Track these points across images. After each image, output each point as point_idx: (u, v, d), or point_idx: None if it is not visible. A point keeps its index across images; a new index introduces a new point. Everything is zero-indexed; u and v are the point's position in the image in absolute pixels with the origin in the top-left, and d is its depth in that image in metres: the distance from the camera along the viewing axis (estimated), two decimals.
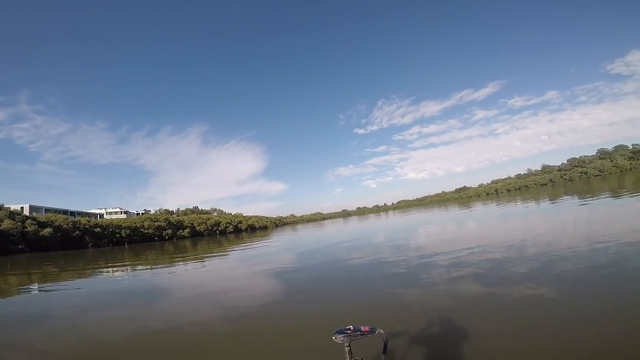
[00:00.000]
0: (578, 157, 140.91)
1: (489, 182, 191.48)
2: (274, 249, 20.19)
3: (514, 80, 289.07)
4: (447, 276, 6.20)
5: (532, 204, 25.77)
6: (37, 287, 11.69)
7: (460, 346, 3.25)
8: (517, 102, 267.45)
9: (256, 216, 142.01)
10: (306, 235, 31.85)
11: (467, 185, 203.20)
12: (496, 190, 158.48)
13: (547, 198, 31.18)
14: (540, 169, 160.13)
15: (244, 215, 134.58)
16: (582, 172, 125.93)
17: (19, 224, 40.48)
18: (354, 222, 52.84)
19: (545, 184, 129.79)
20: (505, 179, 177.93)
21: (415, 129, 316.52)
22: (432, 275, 6.41)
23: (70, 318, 6.35)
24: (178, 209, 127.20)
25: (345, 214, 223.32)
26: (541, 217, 15.65)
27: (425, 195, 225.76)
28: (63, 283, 12.27)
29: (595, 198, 20.45)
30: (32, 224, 42.61)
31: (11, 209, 43.83)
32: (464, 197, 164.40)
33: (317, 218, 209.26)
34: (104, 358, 4.08)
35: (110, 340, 4.70)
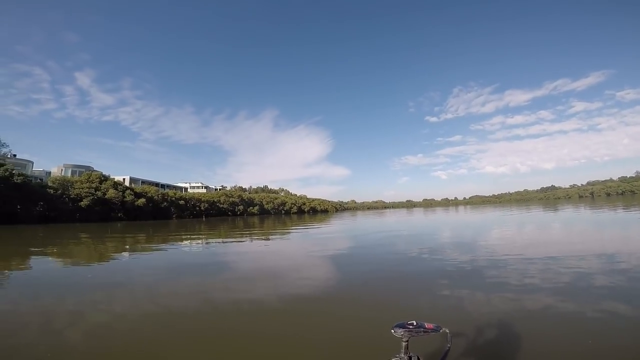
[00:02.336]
0: None
1: (584, 183, 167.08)
2: (333, 234, 20.56)
3: (625, 70, 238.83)
4: (518, 282, 5.63)
5: (637, 213, 22.59)
6: (127, 253, 12.76)
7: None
8: (628, 94, 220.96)
9: (318, 199, 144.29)
10: (366, 223, 31.36)
11: (556, 185, 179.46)
12: (592, 193, 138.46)
13: None
14: None
15: (307, 197, 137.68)
16: None
17: (120, 193, 46.89)
18: (418, 214, 51.06)
19: None
20: (606, 181, 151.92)
21: (497, 119, 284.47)
22: (501, 280, 5.89)
23: (149, 285, 6.82)
24: (250, 186, 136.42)
25: (409, 205, 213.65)
26: None
27: (503, 192, 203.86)
28: (148, 250, 13.50)
29: None
30: (130, 193, 48.95)
31: (115, 180, 51.04)
32: (550, 197, 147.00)
33: (379, 206, 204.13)
34: (173, 324, 4.34)
35: (179, 308, 5.03)
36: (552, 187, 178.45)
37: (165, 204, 56.89)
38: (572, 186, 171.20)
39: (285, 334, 3.88)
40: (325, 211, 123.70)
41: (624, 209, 27.85)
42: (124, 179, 61.51)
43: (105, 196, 44.00)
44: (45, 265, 9.86)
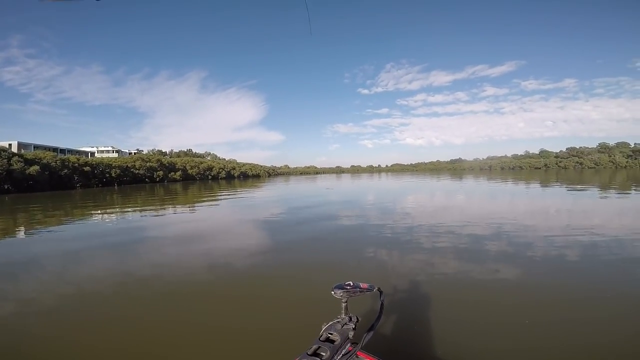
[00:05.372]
0: (578, 147, 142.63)
1: (485, 157, 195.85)
2: (265, 200, 21.04)
3: (533, 63, 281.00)
4: (427, 245, 6.74)
5: (522, 186, 27.12)
6: (23, 232, 11.11)
7: (430, 314, 3.54)
8: (531, 84, 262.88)
9: (250, 164, 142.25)
10: (299, 189, 32.88)
11: (463, 158, 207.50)
12: (490, 167, 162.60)
13: (538, 182, 32.52)
14: (537, 152, 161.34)
15: (237, 161, 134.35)
16: (577, 162, 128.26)
17: (5, 161, 39.70)
18: (346, 180, 55.29)
19: (539, 168, 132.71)
20: (502, 157, 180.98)
21: (421, 96, 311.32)
22: (415, 243, 6.95)
23: (57, 266, 6.27)
24: (171, 150, 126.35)
25: (338, 171, 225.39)
26: (527, 199, 16.27)
27: (419, 161, 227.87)
28: (49, 227, 11.74)
29: (583, 189, 21.28)
30: (18, 161, 42.04)
31: None
32: (457, 168, 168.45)
33: (311, 171, 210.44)
34: (91, 306, 4.16)
35: (96, 289, 4.78)
36: (460, 160, 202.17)
37: (66, 171, 50.54)
38: (475, 159, 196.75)
39: (215, 310, 3.88)
40: (257, 176, 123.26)
41: (512, 182, 32.90)
42: (9, 145, 52.02)
43: None
44: None
